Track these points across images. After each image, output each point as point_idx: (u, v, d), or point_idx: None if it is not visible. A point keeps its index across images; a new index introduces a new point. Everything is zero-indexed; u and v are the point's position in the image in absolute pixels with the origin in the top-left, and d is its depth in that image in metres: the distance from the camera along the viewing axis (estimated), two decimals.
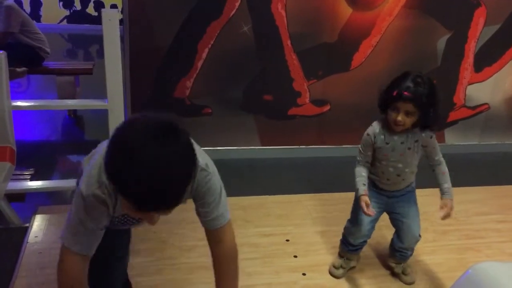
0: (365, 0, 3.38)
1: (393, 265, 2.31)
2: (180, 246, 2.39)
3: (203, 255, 2.33)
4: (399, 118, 1.91)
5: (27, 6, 8.34)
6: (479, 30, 3.65)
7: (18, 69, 4.05)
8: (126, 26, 3.16)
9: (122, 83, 2.61)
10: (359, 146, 2.11)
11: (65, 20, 8.87)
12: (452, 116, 3.92)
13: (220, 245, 1.49)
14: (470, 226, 2.80)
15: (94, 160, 1.33)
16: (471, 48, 3.70)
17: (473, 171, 3.66)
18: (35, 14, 8.36)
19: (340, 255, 2.32)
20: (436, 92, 1.93)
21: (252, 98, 3.50)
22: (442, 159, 2.12)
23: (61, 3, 8.75)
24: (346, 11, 3.37)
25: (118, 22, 2.48)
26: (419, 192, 3.06)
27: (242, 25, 3.26)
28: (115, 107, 2.63)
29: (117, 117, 2.66)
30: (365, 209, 2.01)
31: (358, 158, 2.13)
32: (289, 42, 3.38)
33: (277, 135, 3.66)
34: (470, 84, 3.83)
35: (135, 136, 1.07)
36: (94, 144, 3.99)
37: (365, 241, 2.25)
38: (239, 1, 3.20)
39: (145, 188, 1.06)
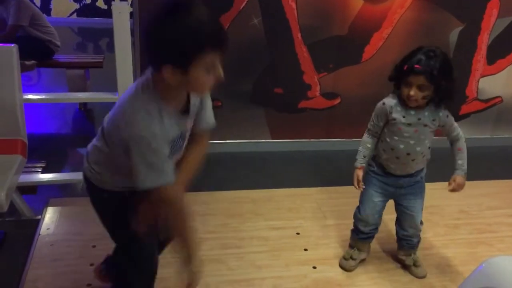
0: None
1: (403, 257, 2.30)
2: None
3: (214, 248, 2.35)
4: (412, 92, 1.88)
5: (37, 0, 8.38)
6: (492, 22, 3.60)
7: (28, 62, 4.07)
8: (136, 19, 3.15)
9: (132, 76, 2.61)
10: (372, 115, 2.09)
11: (75, 14, 8.90)
12: (464, 109, 3.88)
13: (203, 142, 1.63)
14: (482, 220, 2.77)
15: (122, 106, 1.40)
16: (484, 40, 3.65)
17: (486, 164, 3.62)
18: (45, 7, 8.40)
19: (351, 246, 2.31)
20: (450, 66, 1.90)
21: (262, 91, 3.49)
22: (460, 135, 2.08)
23: None
24: (357, 3, 3.34)
25: (128, 15, 2.48)
26: (429, 186, 3.06)
27: (252, 18, 3.25)
28: None
29: None
30: (355, 183, 2.06)
31: (369, 127, 2.11)
32: (299, 34, 3.36)
33: (287, 128, 3.65)
34: (482, 76, 3.79)
35: (179, 10, 1.25)
36: None
37: (375, 229, 2.24)
38: None
39: (213, 23, 1.29)
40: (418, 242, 2.28)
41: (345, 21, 3.38)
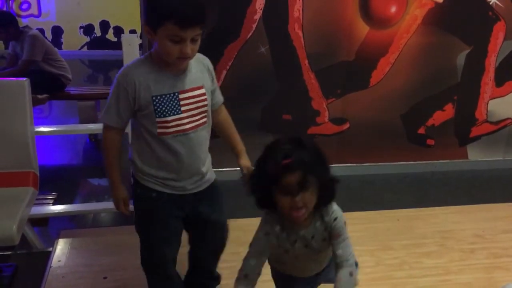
0: (382, 18, 3.38)
1: None
2: None
3: (226, 277, 2.31)
4: (297, 199, 1.37)
5: (48, 34, 8.57)
6: (499, 44, 3.61)
7: (40, 96, 4.13)
8: (146, 50, 3.21)
9: None
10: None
11: (86, 47, 9.08)
12: (475, 131, 3.86)
13: (223, 112, 1.87)
14: (498, 244, 2.72)
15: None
16: (492, 62, 3.66)
17: (499, 187, 3.58)
18: (57, 41, 8.59)
19: None
20: (321, 151, 1.48)
21: (271, 118, 3.51)
22: (345, 262, 1.53)
23: (81, 30, 8.97)
24: (363, 29, 3.37)
25: (138, 47, 2.52)
26: (442, 210, 3.04)
27: (259, 46, 3.29)
28: None
29: None
30: None
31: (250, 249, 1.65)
32: (306, 61, 3.39)
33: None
34: (491, 99, 3.78)
35: None
36: None
37: None
38: (256, 23, 3.23)
39: (185, 2, 1.43)
40: None
41: (352, 47, 3.41)
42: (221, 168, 3.45)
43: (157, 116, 1.57)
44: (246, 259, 1.63)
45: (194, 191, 1.75)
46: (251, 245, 1.62)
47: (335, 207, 1.56)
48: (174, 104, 1.58)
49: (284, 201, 1.40)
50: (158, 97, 1.56)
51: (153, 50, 1.56)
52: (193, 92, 1.62)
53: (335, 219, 1.52)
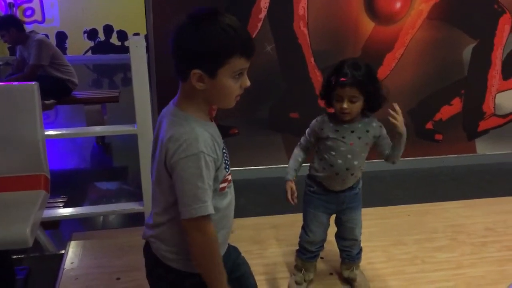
0: (387, 13, 3.38)
1: (345, 272, 2.26)
2: None
3: None
4: (345, 105, 1.87)
5: (53, 39, 8.60)
6: (505, 37, 3.61)
7: (47, 102, 4.15)
8: (152, 53, 3.22)
9: (150, 107, 2.64)
10: (306, 132, 2.09)
11: (90, 51, 9.11)
12: (483, 125, 3.85)
13: None
14: (509, 237, 2.71)
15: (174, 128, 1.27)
16: (498, 55, 3.65)
17: (508, 180, 3.57)
18: (61, 46, 8.63)
19: (298, 268, 2.24)
20: (375, 73, 1.92)
21: (278, 116, 3.51)
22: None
23: (85, 34, 9.01)
24: (368, 25, 3.37)
25: (144, 48, 2.52)
26: (452, 204, 3.03)
27: (265, 45, 3.29)
28: (144, 131, 2.65)
29: (146, 141, 2.68)
30: (288, 195, 2.05)
31: (301, 141, 2.12)
32: (312, 59, 3.39)
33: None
34: (499, 92, 3.77)
35: (206, 19, 1.26)
36: (123, 169, 4.04)
37: (321, 246, 2.20)
38: (261, 22, 3.24)
39: (242, 30, 1.25)
40: (358, 254, 2.22)
41: (358, 43, 3.41)
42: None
43: (226, 169, 1.35)
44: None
45: None
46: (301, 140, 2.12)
47: (378, 122, 2.01)
48: (227, 155, 1.38)
49: (336, 104, 1.90)
50: (224, 150, 1.35)
51: (182, 98, 1.32)
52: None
53: (380, 126, 2.01)
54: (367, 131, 1.98)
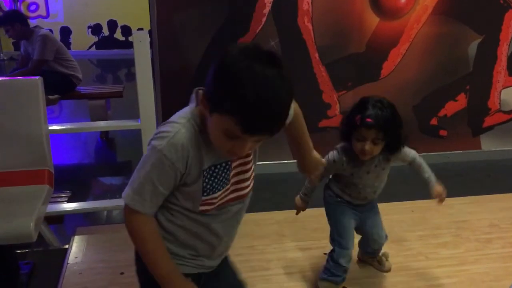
0: (392, 8, 3.36)
1: (368, 260, 2.33)
2: None
3: (241, 271, 2.32)
4: (367, 147, 1.83)
5: (57, 34, 8.61)
6: (511, 32, 3.59)
7: (51, 97, 4.16)
8: (156, 48, 3.21)
9: (154, 102, 2.64)
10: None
11: (94, 46, 9.12)
12: (488, 121, 3.83)
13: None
14: None
15: (176, 115, 1.20)
16: (504, 51, 3.62)
17: None
18: (65, 41, 8.63)
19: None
20: (398, 115, 1.88)
21: None
22: (414, 156, 2.05)
23: (89, 30, 9.01)
24: (373, 20, 3.36)
25: (148, 43, 2.52)
26: (457, 201, 3.02)
27: (269, 40, 3.28)
28: (148, 126, 2.65)
29: (150, 136, 2.68)
30: (298, 210, 2.16)
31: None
32: (316, 54, 3.38)
33: None
34: (504, 88, 3.75)
35: (243, 58, 1.04)
36: (127, 164, 4.05)
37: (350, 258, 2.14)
38: (265, 17, 3.22)
39: (258, 106, 1.01)
40: (380, 250, 2.27)
41: (362, 38, 3.39)
42: None
43: (204, 194, 1.21)
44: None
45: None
46: None
47: (407, 151, 2.02)
48: (225, 175, 1.23)
49: (357, 144, 1.87)
50: (208, 170, 1.19)
51: (197, 111, 1.19)
52: (247, 158, 1.29)
53: (414, 159, 2.03)
54: (388, 161, 1.99)
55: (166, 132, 1.14)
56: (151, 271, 1.23)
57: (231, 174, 1.25)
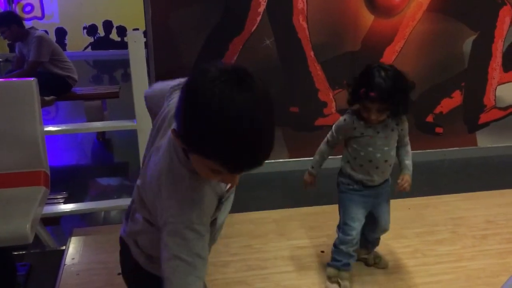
0: (387, 6, 3.37)
1: (365, 256, 2.33)
2: (214, 262, 2.38)
3: (239, 270, 2.33)
4: (373, 117, 1.91)
5: (52, 35, 8.58)
6: (506, 29, 3.59)
7: (47, 98, 4.14)
8: (151, 48, 3.21)
9: None
10: (332, 128, 2.11)
11: (90, 47, 9.09)
12: (483, 118, 3.83)
13: None
14: (510, 229, 2.71)
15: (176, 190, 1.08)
16: (499, 47, 3.63)
17: (509, 173, 3.56)
18: (61, 42, 8.60)
19: (332, 281, 2.18)
20: (403, 79, 1.88)
21: (278, 110, 3.46)
22: (408, 140, 2.12)
23: (85, 30, 8.99)
24: (368, 18, 3.36)
25: (143, 43, 2.52)
26: (453, 197, 3.03)
27: (264, 39, 3.28)
28: (144, 127, 2.65)
29: (146, 137, 2.66)
30: (308, 185, 2.18)
31: (327, 138, 2.14)
32: (312, 53, 3.38)
33: (305, 146, 3.63)
34: (499, 84, 3.76)
35: (212, 86, 0.91)
36: (124, 165, 4.04)
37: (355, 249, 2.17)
38: (260, 16, 3.22)
39: (239, 143, 0.91)
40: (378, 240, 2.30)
41: (357, 36, 3.40)
42: None
43: (220, 203, 1.18)
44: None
45: None
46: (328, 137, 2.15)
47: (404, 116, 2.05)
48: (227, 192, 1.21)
49: (364, 113, 1.93)
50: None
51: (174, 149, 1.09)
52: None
53: (408, 143, 2.10)
54: (397, 124, 2.03)
55: (196, 217, 1.05)
56: None
57: None
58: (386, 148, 2.02)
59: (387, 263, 2.34)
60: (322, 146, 2.16)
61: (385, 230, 2.21)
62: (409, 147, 2.13)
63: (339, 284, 2.16)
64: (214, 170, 0.98)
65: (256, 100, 0.93)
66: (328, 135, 2.14)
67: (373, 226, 2.20)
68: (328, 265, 2.22)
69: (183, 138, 0.98)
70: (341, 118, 2.07)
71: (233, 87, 0.91)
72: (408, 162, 2.10)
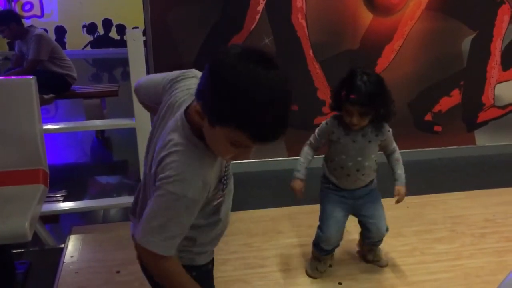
0: (386, 5, 3.37)
1: (366, 253, 2.34)
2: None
3: (237, 268, 2.33)
4: (354, 121, 1.91)
5: (51, 34, 8.58)
6: (504, 28, 3.59)
7: (46, 96, 4.14)
8: (150, 46, 3.21)
9: None
10: (315, 132, 2.13)
11: (89, 46, 9.09)
12: (482, 116, 3.84)
13: None
14: (509, 227, 2.71)
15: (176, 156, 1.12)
16: (497, 46, 3.63)
17: (508, 172, 3.56)
18: (60, 41, 8.59)
19: (316, 259, 2.28)
20: (385, 87, 1.91)
21: None
22: (396, 148, 2.12)
23: (84, 29, 8.98)
24: (367, 17, 3.36)
25: (142, 41, 2.52)
26: (451, 196, 3.04)
27: (263, 37, 3.28)
28: (142, 125, 2.65)
29: (145, 135, 2.67)
30: (297, 193, 2.10)
31: (310, 140, 2.15)
32: (311, 51, 3.38)
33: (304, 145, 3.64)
34: (498, 83, 3.76)
35: (241, 66, 0.99)
36: (123, 163, 4.05)
37: (337, 245, 2.23)
38: (259, 14, 3.22)
39: (268, 114, 0.99)
40: (381, 241, 2.29)
41: (356, 35, 3.40)
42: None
43: (220, 191, 1.26)
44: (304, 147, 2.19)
45: None
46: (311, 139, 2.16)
47: (392, 140, 2.08)
48: (228, 175, 1.30)
49: (346, 117, 1.93)
50: (220, 183, 1.24)
51: (187, 126, 1.14)
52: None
53: (389, 131, 2.05)
54: (376, 136, 2.03)
55: (179, 175, 1.09)
56: None
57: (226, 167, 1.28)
58: (359, 159, 2.04)
59: (387, 262, 2.34)
60: (306, 148, 2.18)
61: (378, 235, 2.19)
62: (397, 154, 2.12)
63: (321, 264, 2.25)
64: (235, 143, 1.04)
65: (283, 76, 1.02)
66: (311, 138, 2.16)
67: (365, 231, 2.22)
68: (308, 264, 2.30)
69: (211, 114, 1.03)
70: (324, 122, 2.10)
71: (260, 64, 0.99)
72: (400, 172, 2.11)
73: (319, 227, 2.19)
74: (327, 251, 2.21)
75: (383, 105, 1.91)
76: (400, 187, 2.10)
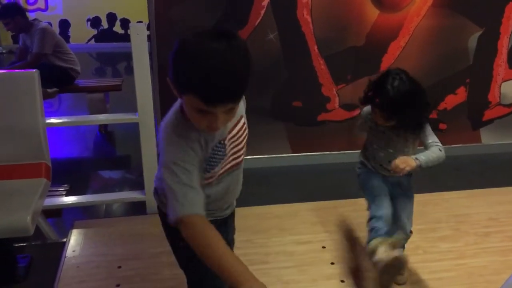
0: (392, 1, 3.34)
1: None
2: None
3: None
4: (378, 121, 1.92)
5: (56, 27, 8.57)
6: (511, 25, 3.55)
7: (50, 90, 4.13)
8: (154, 41, 3.19)
9: (151, 96, 2.63)
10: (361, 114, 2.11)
11: (93, 40, 9.07)
12: (488, 114, 3.81)
13: None
14: None
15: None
16: (504, 44, 3.60)
17: None
18: (64, 35, 8.58)
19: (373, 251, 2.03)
20: (414, 97, 1.82)
21: (281, 105, 3.49)
22: (434, 144, 1.92)
23: (88, 23, 8.97)
24: (372, 13, 3.33)
25: (146, 36, 2.51)
26: (455, 194, 3.02)
27: (268, 33, 3.26)
28: (145, 120, 2.64)
29: (148, 130, 2.68)
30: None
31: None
32: (316, 47, 3.36)
33: (308, 141, 3.63)
34: (504, 81, 3.73)
35: (195, 39, 1.14)
36: (126, 158, 4.04)
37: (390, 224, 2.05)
38: (264, 9, 3.20)
39: (212, 78, 1.10)
40: (403, 246, 2.14)
41: (362, 31, 3.37)
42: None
43: (206, 171, 1.34)
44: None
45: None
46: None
47: (429, 135, 1.96)
48: (222, 151, 1.35)
49: (375, 117, 1.92)
50: (216, 149, 1.33)
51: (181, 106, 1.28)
52: (236, 128, 1.40)
53: (430, 147, 1.93)
54: (406, 131, 1.95)
55: (171, 128, 1.29)
56: (224, 278, 1.18)
57: (228, 149, 1.37)
58: (390, 151, 1.99)
59: (405, 280, 2.20)
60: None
61: (403, 228, 2.06)
62: (434, 148, 1.90)
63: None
64: (197, 109, 1.16)
65: (230, 46, 1.12)
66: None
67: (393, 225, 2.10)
68: (367, 243, 2.00)
69: (174, 85, 1.19)
70: (366, 107, 2.04)
71: (212, 38, 1.13)
72: (424, 155, 1.88)
73: (370, 209, 2.05)
74: (384, 229, 1.99)
75: (408, 115, 1.83)
76: (410, 159, 1.84)
